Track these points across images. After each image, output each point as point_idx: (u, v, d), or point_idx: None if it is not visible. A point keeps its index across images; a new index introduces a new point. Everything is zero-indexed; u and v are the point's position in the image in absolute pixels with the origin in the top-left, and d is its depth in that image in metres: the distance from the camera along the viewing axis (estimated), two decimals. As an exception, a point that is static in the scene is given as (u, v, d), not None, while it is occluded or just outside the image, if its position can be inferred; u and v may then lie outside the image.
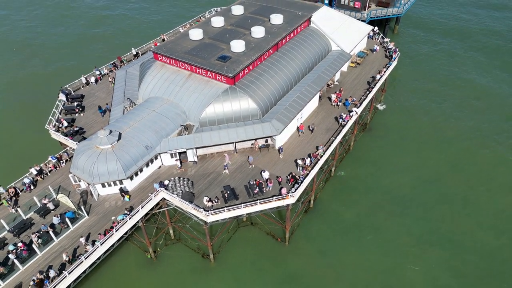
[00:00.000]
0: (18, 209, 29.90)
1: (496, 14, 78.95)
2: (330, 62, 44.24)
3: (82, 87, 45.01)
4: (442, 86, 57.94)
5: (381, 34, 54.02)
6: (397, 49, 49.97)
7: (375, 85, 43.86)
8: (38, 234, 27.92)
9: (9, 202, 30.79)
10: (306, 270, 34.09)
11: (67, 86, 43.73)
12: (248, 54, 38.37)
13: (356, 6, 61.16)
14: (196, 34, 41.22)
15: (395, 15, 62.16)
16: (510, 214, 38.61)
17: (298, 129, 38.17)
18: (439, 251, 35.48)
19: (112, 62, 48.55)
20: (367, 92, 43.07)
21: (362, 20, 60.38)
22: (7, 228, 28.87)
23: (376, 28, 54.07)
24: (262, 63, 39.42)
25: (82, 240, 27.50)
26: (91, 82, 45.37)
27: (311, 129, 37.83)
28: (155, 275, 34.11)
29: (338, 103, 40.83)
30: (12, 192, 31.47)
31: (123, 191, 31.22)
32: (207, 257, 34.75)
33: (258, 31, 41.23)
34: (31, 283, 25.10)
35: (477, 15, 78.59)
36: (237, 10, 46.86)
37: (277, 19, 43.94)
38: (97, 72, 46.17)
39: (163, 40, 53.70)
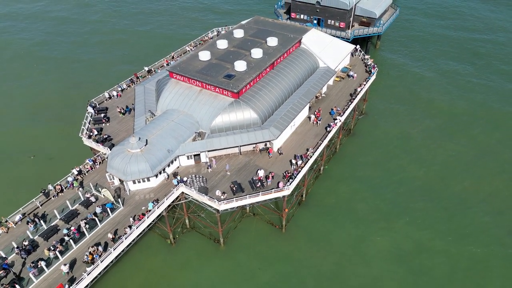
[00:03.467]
0: (67, 201, 36.88)
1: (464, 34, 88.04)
2: (318, 78, 52.02)
3: (105, 100, 52.20)
4: (416, 96, 66.23)
5: (362, 52, 62.06)
6: (375, 65, 57.99)
7: (356, 96, 51.68)
8: (85, 221, 34.86)
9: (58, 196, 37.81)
10: (300, 251, 41.46)
11: (93, 100, 50.91)
12: (249, 73, 45.94)
13: (341, 26, 69.34)
14: (204, 55, 48.74)
15: (375, 33, 70.46)
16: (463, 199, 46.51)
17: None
18: (402, 224, 43.22)
19: (129, 78, 55.90)
20: (349, 103, 50.86)
21: (346, 38, 68.76)
22: (59, 217, 35.78)
23: (358, 46, 62.15)
24: (261, 80, 47.02)
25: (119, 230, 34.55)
26: (113, 96, 52.58)
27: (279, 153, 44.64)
28: (174, 257, 41.17)
29: (318, 121, 47.93)
30: (59, 188, 38.45)
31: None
32: (217, 241, 41.91)
33: (257, 53, 48.87)
34: (85, 257, 32.07)
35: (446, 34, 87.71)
36: (238, 33, 54.55)
37: (272, 41, 51.65)
38: (119, 88, 53.44)
39: (173, 57, 61.23)
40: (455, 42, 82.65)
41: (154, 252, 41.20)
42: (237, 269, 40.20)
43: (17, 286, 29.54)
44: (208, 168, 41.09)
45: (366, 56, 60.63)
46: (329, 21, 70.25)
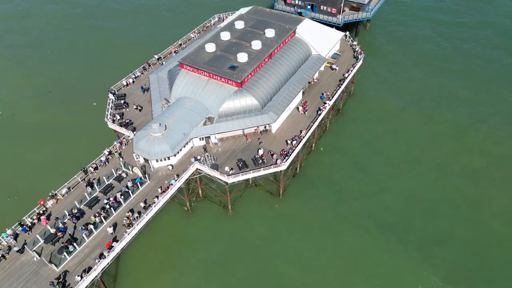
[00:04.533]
0: (103, 176, 45.04)
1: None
2: (310, 65, 59.11)
3: (123, 87, 59.20)
4: (400, 78, 73.54)
5: (351, 38, 68.54)
6: (362, 52, 64.80)
7: (343, 82, 59.04)
8: (120, 193, 43.17)
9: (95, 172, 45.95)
10: (293, 213, 50.44)
11: (112, 87, 57.87)
12: (250, 64, 52.92)
13: (333, 12, 75.19)
14: (210, 47, 55.40)
15: (364, 18, 76.45)
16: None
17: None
18: (382, 194, 52.12)
19: (142, 66, 62.56)
20: (338, 88, 58.29)
21: (337, 24, 74.93)
22: (98, 190, 44.04)
23: (347, 32, 68.57)
24: (260, 69, 54.07)
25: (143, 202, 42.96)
26: (130, 83, 59.54)
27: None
28: (191, 221, 50.00)
29: (305, 112, 54.79)
30: (94, 166, 46.47)
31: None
32: (226, 208, 50.69)
33: (256, 44, 55.58)
34: (124, 221, 40.65)
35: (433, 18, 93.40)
36: (239, 24, 60.83)
37: (270, 33, 58.14)
38: (133, 76, 60.25)
39: (180, 45, 67.53)
40: (438, 25, 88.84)
41: (174, 217, 49.95)
42: (243, 226, 49.24)
43: (74, 244, 38.24)
44: (217, 147, 49.21)
45: (354, 42, 67.28)
46: (321, 7, 75.99)
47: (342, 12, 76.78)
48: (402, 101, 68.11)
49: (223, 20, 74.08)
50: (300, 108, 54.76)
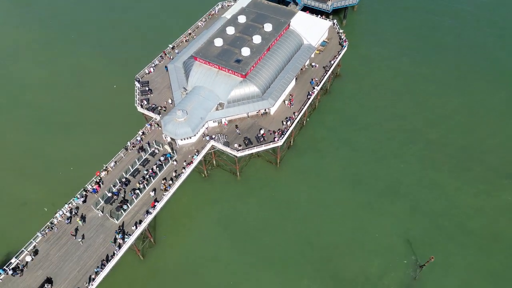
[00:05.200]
0: (142, 152, 58.43)
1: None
2: (302, 54, 70.53)
3: (145, 75, 70.75)
4: (381, 59, 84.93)
5: (338, 26, 78.96)
6: (346, 40, 75.73)
7: (330, 68, 70.79)
8: (155, 165, 56.75)
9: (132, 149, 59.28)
10: (287, 177, 64.64)
11: (137, 75, 69.44)
12: (252, 57, 64.39)
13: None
14: (218, 42, 66.41)
15: (351, 4, 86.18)
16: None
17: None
18: (355, 158, 66.14)
19: (159, 55, 73.63)
20: (324, 74, 70.23)
21: (326, 10, 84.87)
22: (138, 163, 57.56)
23: (335, 21, 78.94)
24: (260, 61, 65.62)
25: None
26: (150, 71, 71.04)
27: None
28: (207, 184, 64.19)
29: (291, 105, 65.71)
30: (132, 144, 59.64)
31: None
32: (235, 174, 64.71)
33: (256, 39, 66.61)
34: (161, 187, 54.61)
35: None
36: (241, 19, 71.21)
37: (268, 27, 68.83)
38: (153, 64, 71.62)
39: (190, 33, 78.00)
40: (421, 11, 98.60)
41: (195, 182, 63.98)
42: (248, 189, 63.63)
43: (127, 204, 52.45)
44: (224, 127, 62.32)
45: (341, 30, 77.97)
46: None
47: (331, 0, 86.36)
48: (384, 78, 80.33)
49: (227, 7, 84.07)
50: (287, 102, 66.27)
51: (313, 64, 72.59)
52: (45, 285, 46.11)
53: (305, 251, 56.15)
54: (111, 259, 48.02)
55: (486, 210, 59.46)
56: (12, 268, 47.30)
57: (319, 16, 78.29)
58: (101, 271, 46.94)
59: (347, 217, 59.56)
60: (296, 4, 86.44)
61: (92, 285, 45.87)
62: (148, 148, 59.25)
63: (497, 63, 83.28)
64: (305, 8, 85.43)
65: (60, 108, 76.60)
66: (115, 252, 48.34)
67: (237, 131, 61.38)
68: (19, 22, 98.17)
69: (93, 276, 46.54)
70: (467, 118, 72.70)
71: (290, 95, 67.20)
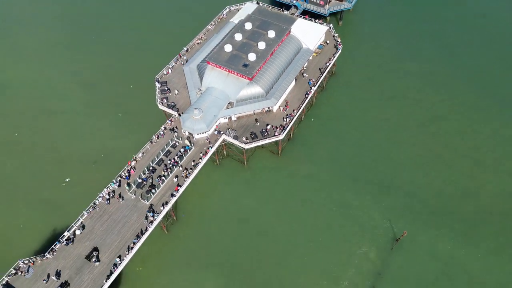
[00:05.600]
0: (165, 146, 69.40)
1: None
2: (301, 57, 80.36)
3: (163, 75, 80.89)
4: (372, 59, 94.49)
5: (333, 31, 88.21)
6: (340, 43, 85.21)
7: (325, 70, 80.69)
8: (177, 156, 67.78)
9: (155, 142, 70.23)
10: (287, 164, 75.67)
11: (157, 76, 79.54)
12: (257, 61, 74.36)
13: (321, 3, 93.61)
14: (228, 47, 76.21)
15: (346, 8, 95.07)
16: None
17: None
18: (344, 147, 77.04)
19: (175, 57, 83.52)
20: (320, 76, 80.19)
21: (324, 14, 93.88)
22: (162, 154, 68.60)
23: (331, 25, 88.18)
24: (265, 65, 75.59)
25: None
26: (168, 72, 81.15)
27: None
28: (219, 171, 75.37)
29: (285, 111, 75.40)
30: (157, 136, 70.53)
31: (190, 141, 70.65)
32: (242, 163, 75.75)
33: (261, 45, 76.39)
34: (183, 174, 65.83)
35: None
36: (248, 25, 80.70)
37: (271, 34, 78.41)
38: (170, 66, 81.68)
39: (201, 38, 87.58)
40: (412, 14, 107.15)
41: (208, 169, 75.01)
42: (254, 175, 74.79)
43: (155, 188, 63.80)
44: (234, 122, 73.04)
45: (336, 34, 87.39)
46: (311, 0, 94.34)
47: (329, 3, 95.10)
48: (374, 74, 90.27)
49: (234, 10, 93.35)
50: (282, 108, 75.93)
51: (305, 74, 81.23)
52: (93, 253, 58.06)
53: (300, 219, 67.83)
54: (144, 232, 59.79)
55: (446, 193, 70.78)
56: (66, 239, 59.19)
57: (317, 19, 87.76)
58: (137, 241, 58.79)
59: (334, 195, 70.95)
60: (296, 8, 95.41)
61: (130, 252, 57.77)
62: (170, 141, 70.26)
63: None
64: (305, 12, 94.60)
65: (84, 103, 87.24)
66: (147, 227, 60.07)
67: (257, 123, 72.55)
68: (44, 23, 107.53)
69: (131, 246, 58.40)
70: (455, 117, 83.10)
71: (286, 101, 77.04)
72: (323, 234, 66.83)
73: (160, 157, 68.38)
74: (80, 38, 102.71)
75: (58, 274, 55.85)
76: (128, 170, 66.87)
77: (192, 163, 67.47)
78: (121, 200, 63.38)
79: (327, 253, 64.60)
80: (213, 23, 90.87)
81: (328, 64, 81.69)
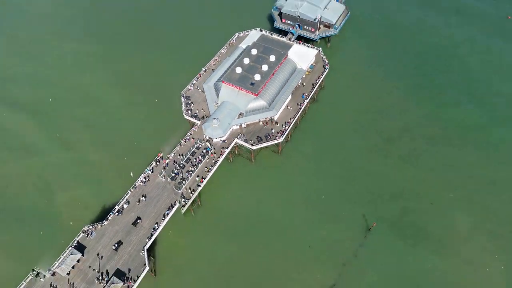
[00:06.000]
0: (191, 147, 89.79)
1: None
2: (296, 76, 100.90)
3: (187, 91, 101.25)
4: (359, 73, 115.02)
5: (322, 53, 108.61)
6: (328, 63, 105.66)
7: (315, 86, 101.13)
8: (200, 156, 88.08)
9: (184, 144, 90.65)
10: (286, 161, 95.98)
11: (182, 92, 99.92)
12: (262, 81, 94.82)
13: (312, 30, 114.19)
14: (238, 70, 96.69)
15: (332, 34, 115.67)
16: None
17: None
18: (329, 146, 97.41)
19: (196, 77, 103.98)
20: (312, 90, 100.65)
21: (314, 39, 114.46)
22: (189, 154, 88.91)
23: (320, 49, 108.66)
24: (268, 83, 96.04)
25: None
26: (190, 89, 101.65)
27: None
28: (232, 166, 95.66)
29: (276, 123, 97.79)
30: (184, 140, 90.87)
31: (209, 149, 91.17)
32: (250, 160, 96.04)
33: (264, 67, 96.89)
34: (205, 169, 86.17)
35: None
36: (253, 51, 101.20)
37: (272, 58, 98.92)
38: (192, 83, 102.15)
39: (215, 60, 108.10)
40: (389, 39, 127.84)
41: (223, 165, 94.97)
42: (259, 169, 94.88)
43: (185, 180, 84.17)
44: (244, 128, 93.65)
45: (324, 56, 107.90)
46: (305, 26, 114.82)
47: (319, 29, 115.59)
48: (360, 91, 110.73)
49: (242, 36, 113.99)
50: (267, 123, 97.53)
51: (303, 94, 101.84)
52: (137, 220, 78.56)
53: (295, 203, 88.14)
54: (173, 206, 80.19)
55: (406, 195, 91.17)
56: (116, 211, 79.72)
57: (309, 43, 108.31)
58: (170, 212, 79.34)
59: (320, 186, 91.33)
60: (292, 34, 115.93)
61: (164, 220, 78.15)
62: (195, 144, 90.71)
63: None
64: (299, 37, 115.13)
65: (123, 110, 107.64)
66: (182, 209, 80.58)
67: (272, 130, 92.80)
68: (77, 35, 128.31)
69: (165, 214, 78.90)
70: (427, 122, 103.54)
71: (274, 120, 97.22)
72: (313, 214, 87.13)
73: (187, 156, 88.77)
74: (114, 55, 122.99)
75: (114, 236, 77.11)
76: (158, 160, 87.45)
77: (212, 161, 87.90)
78: (154, 182, 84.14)
79: (314, 229, 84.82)
80: (225, 47, 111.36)
81: (318, 81, 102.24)
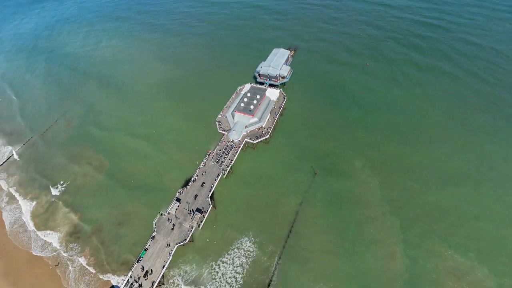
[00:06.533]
0: (224, 147, 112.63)
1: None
2: (270, 104, 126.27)
3: (219, 115, 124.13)
4: (305, 100, 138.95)
5: (282, 90, 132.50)
6: (285, 96, 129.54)
7: (280, 109, 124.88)
8: (229, 149, 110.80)
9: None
10: (271, 149, 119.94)
11: (216, 119, 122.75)
12: (254, 108, 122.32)
13: (276, 81, 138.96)
14: (242, 104, 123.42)
15: (286, 80, 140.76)
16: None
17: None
18: (300, 139, 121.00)
19: (222, 110, 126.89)
20: (278, 111, 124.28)
21: (277, 84, 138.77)
22: (223, 149, 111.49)
23: (281, 89, 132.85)
24: (258, 109, 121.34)
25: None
26: (220, 116, 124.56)
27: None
28: (245, 153, 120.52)
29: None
30: (221, 146, 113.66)
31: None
32: (253, 148, 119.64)
33: (255, 101, 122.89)
34: (232, 156, 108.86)
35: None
36: (248, 94, 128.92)
37: (258, 96, 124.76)
38: (220, 114, 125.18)
39: (230, 101, 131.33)
40: (324, 80, 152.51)
41: (241, 152, 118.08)
42: (257, 152, 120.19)
43: (222, 163, 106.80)
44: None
45: (283, 92, 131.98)
46: (272, 79, 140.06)
47: (278, 80, 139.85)
48: (303, 107, 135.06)
49: (243, 87, 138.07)
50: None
51: (275, 112, 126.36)
52: (203, 184, 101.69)
53: (279, 170, 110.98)
54: (219, 176, 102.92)
55: (331, 156, 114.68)
56: (192, 180, 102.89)
57: (276, 87, 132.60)
58: (218, 178, 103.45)
59: (289, 157, 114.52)
60: (266, 84, 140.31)
61: (216, 181, 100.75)
62: (226, 144, 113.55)
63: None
64: (270, 85, 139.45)
65: (183, 128, 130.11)
66: (220, 173, 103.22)
67: (263, 132, 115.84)
68: (163, 96, 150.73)
69: (216, 179, 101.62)
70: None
71: (263, 127, 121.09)
72: (286, 170, 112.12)
73: (222, 150, 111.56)
74: (182, 106, 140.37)
75: (193, 192, 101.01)
76: (209, 154, 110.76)
77: (235, 151, 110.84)
78: (208, 165, 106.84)
79: (288, 176, 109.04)
80: (234, 94, 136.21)
81: (281, 105, 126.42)
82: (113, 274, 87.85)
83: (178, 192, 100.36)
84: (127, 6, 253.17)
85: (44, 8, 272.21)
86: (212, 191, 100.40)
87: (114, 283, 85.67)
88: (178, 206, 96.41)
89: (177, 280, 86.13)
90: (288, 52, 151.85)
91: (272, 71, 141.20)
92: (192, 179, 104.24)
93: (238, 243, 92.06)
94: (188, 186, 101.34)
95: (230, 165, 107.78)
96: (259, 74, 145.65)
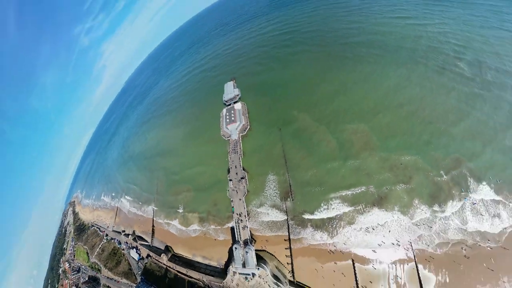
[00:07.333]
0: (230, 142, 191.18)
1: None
2: (241, 112, 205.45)
3: (224, 129, 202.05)
4: (258, 106, 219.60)
5: (242, 101, 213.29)
6: (245, 103, 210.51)
7: (246, 112, 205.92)
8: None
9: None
10: (254, 133, 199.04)
11: (221, 134, 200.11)
12: (235, 118, 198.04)
13: (235, 98, 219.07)
14: (226, 119, 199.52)
15: (239, 98, 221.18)
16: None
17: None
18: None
19: (220, 128, 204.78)
20: (247, 114, 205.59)
21: (237, 101, 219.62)
22: (230, 142, 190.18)
23: (241, 101, 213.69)
24: (235, 117, 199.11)
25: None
26: (221, 132, 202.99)
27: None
28: (245, 138, 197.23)
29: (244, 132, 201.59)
30: (228, 150, 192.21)
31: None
32: (246, 137, 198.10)
33: (232, 114, 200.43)
34: (241, 151, 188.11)
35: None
36: (226, 113, 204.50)
37: (232, 112, 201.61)
38: (223, 127, 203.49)
39: (220, 122, 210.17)
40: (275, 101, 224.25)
41: (243, 138, 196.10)
42: (248, 138, 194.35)
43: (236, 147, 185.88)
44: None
45: (243, 102, 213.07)
46: (233, 100, 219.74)
47: (236, 98, 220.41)
48: (258, 109, 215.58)
49: (222, 111, 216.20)
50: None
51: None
52: (235, 167, 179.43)
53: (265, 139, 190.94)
54: (240, 157, 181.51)
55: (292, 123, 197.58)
56: (228, 171, 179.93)
57: (237, 102, 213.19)
58: (240, 159, 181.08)
59: (266, 135, 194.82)
60: (231, 103, 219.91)
61: (240, 163, 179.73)
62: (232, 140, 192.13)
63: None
64: (235, 102, 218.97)
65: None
66: (241, 156, 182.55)
67: (246, 127, 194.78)
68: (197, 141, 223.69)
69: (239, 160, 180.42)
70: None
71: (245, 124, 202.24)
72: (269, 137, 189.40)
73: (233, 146, 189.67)
74: (200, 139, 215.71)
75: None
76: (228, 151, 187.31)
77: (239, 142, 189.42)
78: (231, 156, 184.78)
79: (269, 137, 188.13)
80: (220, 118, 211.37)
81: (246, 109, 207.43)
82: (228, 223, 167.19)
83: (228, 177, 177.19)
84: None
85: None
86: (241, 165, 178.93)
87: (230, 226, 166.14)
88: (232, 182, 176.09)
89: (254, 208, 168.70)
90: (233, 81, 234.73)
91: (230, 96, 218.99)
92: (229, 167, 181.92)
93: (267, 179, 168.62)
94: (230, 172, 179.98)
95: (242, 150, 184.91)
96: (225, 101, 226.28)
